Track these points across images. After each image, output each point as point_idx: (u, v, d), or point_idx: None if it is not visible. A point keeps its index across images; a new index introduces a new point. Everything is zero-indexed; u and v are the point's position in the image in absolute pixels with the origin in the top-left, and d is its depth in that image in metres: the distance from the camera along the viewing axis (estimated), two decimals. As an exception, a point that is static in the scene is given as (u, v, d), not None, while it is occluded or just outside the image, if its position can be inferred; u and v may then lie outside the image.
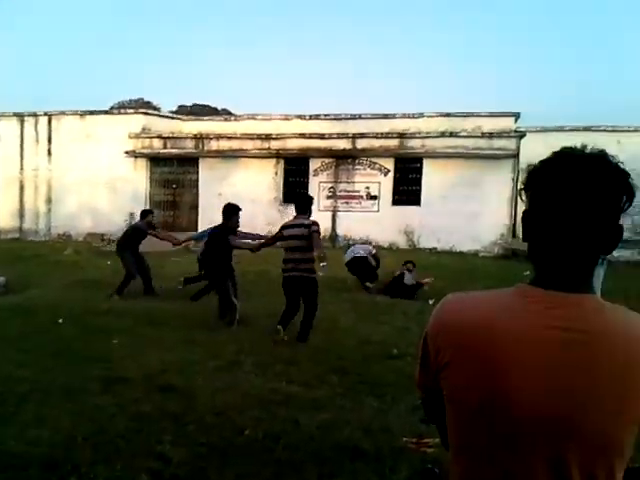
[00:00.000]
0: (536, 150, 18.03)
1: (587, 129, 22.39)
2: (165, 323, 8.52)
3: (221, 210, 9.17)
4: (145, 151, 22.30)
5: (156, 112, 27.45)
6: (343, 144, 20.95)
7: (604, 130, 22.51)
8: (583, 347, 1.20)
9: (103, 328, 8.11)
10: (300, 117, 22.94)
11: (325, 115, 22.87)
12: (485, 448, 1.29)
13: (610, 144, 22.39)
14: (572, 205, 1.24)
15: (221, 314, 8.97)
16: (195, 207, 22.11)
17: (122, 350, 7.02)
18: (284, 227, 7.96)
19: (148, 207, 22.53)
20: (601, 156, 1.29)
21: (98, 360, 6.54)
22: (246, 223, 20.22)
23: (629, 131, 22.70)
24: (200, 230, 11.76)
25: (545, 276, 1.30)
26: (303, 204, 8.01)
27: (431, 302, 10.80)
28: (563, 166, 1.28)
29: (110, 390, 5.61)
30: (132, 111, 24.93)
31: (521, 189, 1.38)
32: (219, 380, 5.95)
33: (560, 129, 22.41)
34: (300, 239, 7.64)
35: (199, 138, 22.44)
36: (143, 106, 39.66)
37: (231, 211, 9.05)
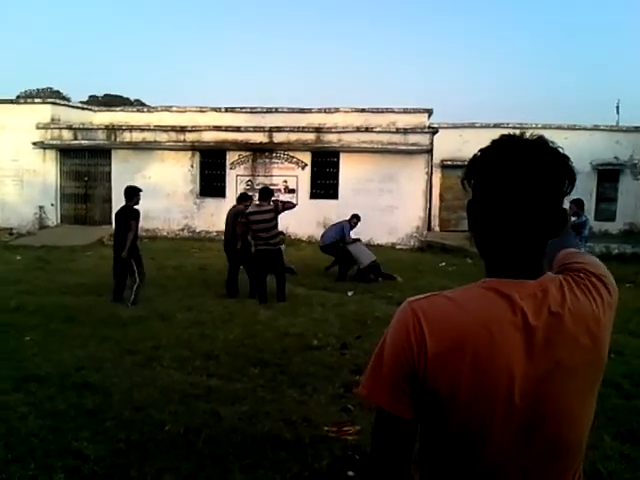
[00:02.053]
0: (449, 145, 18.59)
1: (497, 125, 23.22)
2: (78, 319, 8.25)
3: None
4: (54, 142, 21.43)
5: (65, 102, 26.42)
6: (260, 137, 20.87)
7: (512, 127, 23.40)
8: (561, 329, 1.23)
9: (13, 325, 7.78)
10: (215, 110, 22.68)
11: (241, 108, 22.70)
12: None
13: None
14: (517, 191, 1.24)
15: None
16: (108, 200, 21.47)
17: (34, 347, 6.77)
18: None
19: (58, 199, 21.75)
20: (541, 141, 1.29)
21: (8, 358, 6.29)
22: (161, 216, 20.12)
23: (536, 128, 23.67)
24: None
25: (505, 266, 1.29)
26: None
27: (350, 294, 11.00)
28: (505, 153, 1.28)
29: (22, 388, 5.41)
30: (40, 101, 23.88)
31: (463, 179, 1.36)
32: (137, 375, 5.85)
33: (472, 125, 23.18)
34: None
35: (111, 129, 21.78)
36: (51, 96, 38.21)
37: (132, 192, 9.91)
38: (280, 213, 10.07)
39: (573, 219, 10.24)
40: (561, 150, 1.30)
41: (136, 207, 9.75)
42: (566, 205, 1.37)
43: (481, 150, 1.32)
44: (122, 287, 9.65)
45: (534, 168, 1.24)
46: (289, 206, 10.54)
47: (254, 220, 9.77)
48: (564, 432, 1.26)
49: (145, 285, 9.71)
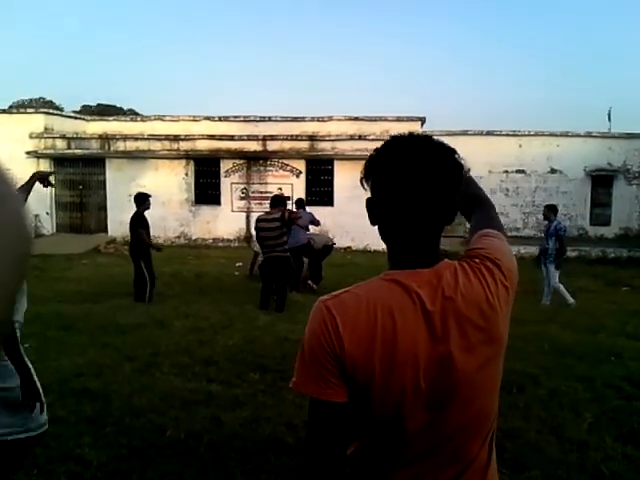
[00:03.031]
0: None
1: (490, 133, 23.39)
2: (76, 327, 8.21)
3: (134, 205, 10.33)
4: (48, 152, 21.41)
5: (58, 112, 26.41)
6: (254, 146, 20.92)
7: (506, 134, 23.55)
8: (455, 312, 1.33)
9: (10, 333, 7.72)
10: (209, 119, 22.76)
11: (235, 117, 22.78)
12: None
13: (512, 147, 23.51)
14: (409, 186, 1.33)
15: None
16: (103, 208, 21.46)
17: (32, 355, 6.68)
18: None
19: (53, 208, 21.72)
20: (428, 138, 1.39)
21: (6, 366, 6.24)
22: (157, 224, 20.06)
23: (530, 135, 23.83)
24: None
25: (404, 257, 1.40)
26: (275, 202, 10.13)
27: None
28: (396, 151, 1.37)
29: (21, 396, 5.37)
30: (32, 110, 23.88)
31: (361, 178, 1.45)
32: (136, 382, 5.81)
33: (464, 133, 23.26)
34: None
35: (105, 138, 21.79)
36: (44, 105, 38.18)
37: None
38: (287, 223, 9.96)
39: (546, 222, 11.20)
40: (447, 144, 1.40)
41: (145, 213, 10.36)
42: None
43: (376, 150, 1.42)
44: (139, 288, 10.30)
45: (423, 163, 1.33)
46: (295, 216, 10.55)
47: (261, 227, 9.76)
48: (470, 404, 1.38)
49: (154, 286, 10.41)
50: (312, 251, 11.95)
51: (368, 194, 1.44)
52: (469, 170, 1.68)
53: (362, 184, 1.44)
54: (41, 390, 3.21)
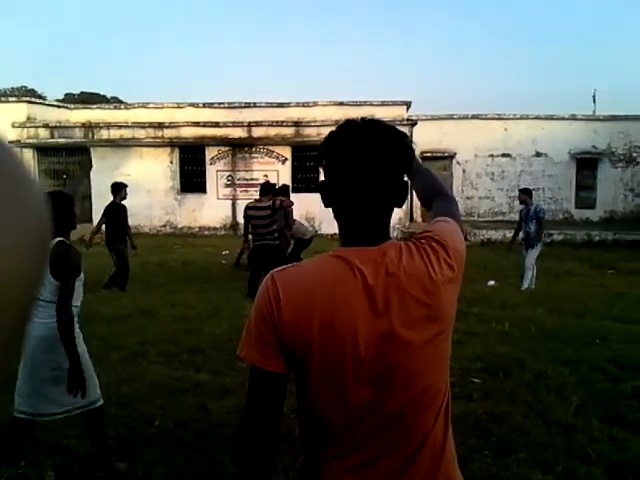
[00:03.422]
0: (428, 137, 18.65)
1: (475, 117, 23.37)
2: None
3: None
4: (31, 141, 21.17)
5: (41, 100, 26.11)
6: (239, 132, 20.81)
7: (492, 118, 23.54)
8: (398, 287, 1.38)
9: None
10: (193, 105, 22.59)
11: (219, 103, 22.62)
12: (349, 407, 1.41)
13: (497, 131, 23.53)
14: (359, 168, 1.39)
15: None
16: (88, 197, 21.29)
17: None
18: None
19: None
20: (379, 123, 1.45)
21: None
22: (143, 213, 19.96)
23: (515, 119, 23.85)
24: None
25: (353, 236, 1.46)
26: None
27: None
28: (347, 135, 1.43)
29: (6, 387, 5.33)
30: (15, 99, 23.60)
31: (316, 161, 1.50)
32: (123, 371, 5.79)
33: (450, 117, 23.25)
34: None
35: (88, 127, 21.57)
36: (27, 94, 37.77)
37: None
38: (278, 211, 9.96)
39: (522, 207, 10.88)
40: (398, 128, 1.47)
41: (123, 202, 10.27)
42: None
43: (329, 133, 1.47)
44: (120, 278, 10.32)
45: (373, 147, 1.40)
46: (287, 204, 10.53)
47: (251, 215, 9.74)
48: (416, 380, 1.42)
49: (127, 279, 10.36)
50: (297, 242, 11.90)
51: None
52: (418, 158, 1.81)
53: (317, 168, 1.50)
54: (94, 375, 3.85)
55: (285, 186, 12.36)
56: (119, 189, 10.21)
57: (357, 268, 1.38)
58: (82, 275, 3.81)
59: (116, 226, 10.08)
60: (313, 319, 1.36)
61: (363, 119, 1.46)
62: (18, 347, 0.35)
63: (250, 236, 10.10)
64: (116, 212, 10.10)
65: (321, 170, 1.50)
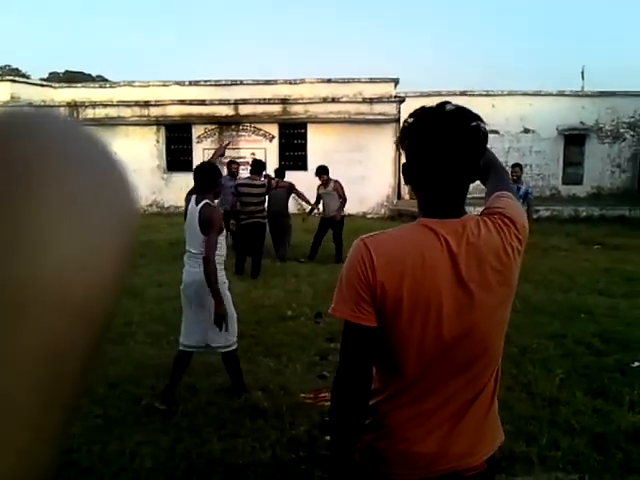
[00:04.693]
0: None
1: (463, 93, 23.28)
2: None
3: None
4: (15, 120, 20.93)
5: (25, 79, 25.77)
6: (225, 110, 20.62)
7: (479, 94, 23.48)
8: (477, 255, 1.56)
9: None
10: (179, 83, 22.32)
11: (205, 81, 22.35)
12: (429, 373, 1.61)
13: (485, 107, 23.45)
14: (442, 151, 1.55)
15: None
16: (73, 178, 21.14)
17: None
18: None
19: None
20: (460, 110, 1.59)
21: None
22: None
23: (502, 95, 23.80)
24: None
25: (436, 209, 1.62)
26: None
27: (302, 260, 11.07)
28: (432, 119, 1.57)
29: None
30: (-3, 78, 23.30)
31: (398, 142, 1.68)
32: (110, 352, 5.77)
33: (438, 94, 23.12)
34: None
35: (73, 106, 21.31)
36: (10, 73, 37.32)
37: None
38: (271, 190, 10.02)
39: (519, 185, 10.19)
40: (474, 113, 1.60)
41: None
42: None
43: (412, 116, 1.62)
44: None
45: (453, 133, 1.54)
46: (282, 185, 10.79)
47: (244, 192, 9.67)
48: (484, 339, 1.61)
49: None
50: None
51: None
52: None
53: (398, 147, 1.62)
54: (235, 315, 4.78)
55: (282, 167, 12.28)
56: None
57: (442, 237, 1.55)
58: (224, 231, 4.81)
59: None
60: (404, 280, 1.52)
61: (441, 104, 1.59)
62: (99, 356, 0.34)
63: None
64: None
65: (402, 151, 1.66)
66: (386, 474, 1.67)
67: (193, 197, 4.86)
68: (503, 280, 1.60)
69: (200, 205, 4.65)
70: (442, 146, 1.54)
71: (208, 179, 4.83)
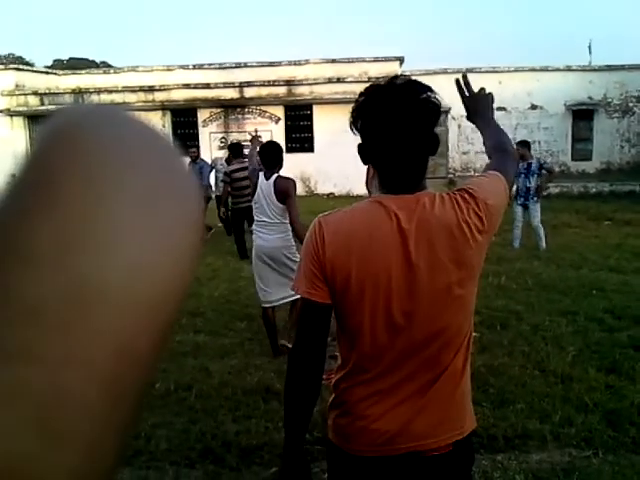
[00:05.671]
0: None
1: (469, 70, 22.97)
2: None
3: None
4: (21, 109, 20.93)
5: (29, 67, 25.74)
6: (230, 93, 20.56)
7: (486, 71, 23.24)
8: (427, 231, 1.54)
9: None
10: (183, 67, 22.26)
11: (209, 64, 22.28)
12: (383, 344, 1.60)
13: (491, 84, 23.23)
14: (397, 125, 1.53)
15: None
16: (80, 164, 21.18)
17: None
18: None
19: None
20: (409, 83, 1.58)
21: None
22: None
23: (509, 71, 23.56)
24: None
25: (391, 185, 1.61)
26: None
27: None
28: (381, 96, 1.57)
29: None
30: (2, 67, 23.21)
31: (351, 123, 1.63)
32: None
33: (444, 71, 22.93)
34: None
35: (78, 93, 21.32)
36: (14, 61, 37.26)
37: None
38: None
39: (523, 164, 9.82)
40: (425, 85, 1.59)
41: None
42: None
43: (362, 94, 1.61)
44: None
45: (404, 106, 1.53)
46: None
47: (239, 177, 9.51)
48: (437, 318, 1.58)
49: None
50: None
51: (350, 138, 1.69)
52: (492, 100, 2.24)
53: (351, 128, 1.63)
54: None
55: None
56: None
57: (394, 212, 1.55)
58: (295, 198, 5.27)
59: None
60: (351, 256, 1.55)
61: (391, 79, 1.60)
62: (163, 351, 0.33)
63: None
64: None
65: (356, 133, 1.63)
66: (348, 450, 1.69)
67: (261, 173, 5.43)
68: (457, 258, 1.55)
69: (272, 179, 5.26)
70: (392, 119, 1.53)
71: (275, 156, 5.38)
